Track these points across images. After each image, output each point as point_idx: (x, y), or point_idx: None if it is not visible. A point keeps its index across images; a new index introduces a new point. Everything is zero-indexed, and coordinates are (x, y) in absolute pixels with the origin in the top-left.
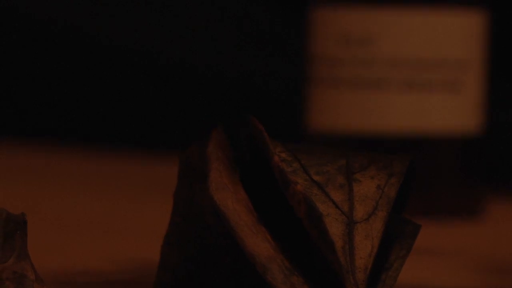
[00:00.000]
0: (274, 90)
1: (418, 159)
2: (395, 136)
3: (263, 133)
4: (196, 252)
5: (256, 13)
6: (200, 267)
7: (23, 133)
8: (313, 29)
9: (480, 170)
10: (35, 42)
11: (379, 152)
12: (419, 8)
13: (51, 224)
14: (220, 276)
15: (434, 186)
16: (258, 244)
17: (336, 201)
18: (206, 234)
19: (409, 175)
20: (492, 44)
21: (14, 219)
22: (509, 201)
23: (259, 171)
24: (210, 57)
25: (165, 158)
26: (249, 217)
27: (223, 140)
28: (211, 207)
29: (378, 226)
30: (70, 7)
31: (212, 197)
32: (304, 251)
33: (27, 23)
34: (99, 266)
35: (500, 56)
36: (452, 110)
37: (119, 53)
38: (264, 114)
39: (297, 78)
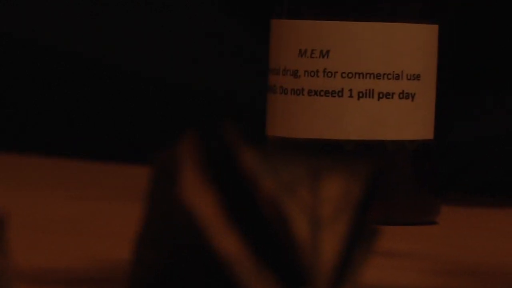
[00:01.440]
0: (240, 100)
1: (376, 165)
2: (352, 143)
3: (234, 136)
4: (168, 250)
5: (224, 26)
6: (173, 265)
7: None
8: (273, 41)
9: (433, 177)
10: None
11: (342, 155)
12: (376, 23)
13: (31, 225)
14: (193, 274)
15: (388, 192)
16: (227, 243)
17: (302, 201)
18: (177, 234)
19: (373, 178)
20: (445, 57)
21: None
22: (461, 206)
23: (228, 172)
24: (182, 70)
25: (140, 167)
26: (219, 217)
27: (195, 142)
28: (182, 207)
29: (343, 226)
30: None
31: (183, 197)
32: (273, 250)
33: None
34: (76, 264)
35: (452, 69)
36: (407, 119)
37: (98, 67)
38: (230, 121)
39: (260, 88)
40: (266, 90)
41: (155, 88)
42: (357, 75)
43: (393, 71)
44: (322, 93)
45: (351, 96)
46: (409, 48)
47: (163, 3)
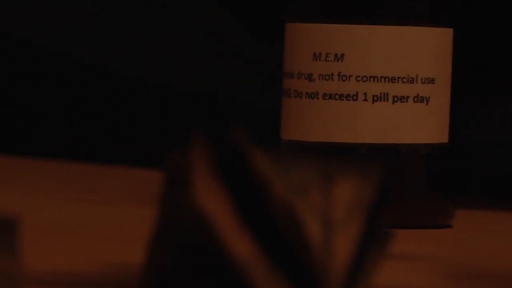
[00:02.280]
0: (252, 103)
1: (389, 169)
2: (366, 147)
3: (244, 138)
4: (180, 254)
5: (224, 26)
6: (184, 267)
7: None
8: (287, 45)
9: (447, 181)
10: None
11: (355, 158)
12: (390, 26)
13: (40, 228)
14: (205, 276)
15: (402, 196)
16: (240, 245)
17: (314, 204)
18: (189, 236)
19: (385, 180)
20: (459, 61)
21: (4, 219)
22: (476, 210)
23: (240, 174)
24: (189, 74)
25: (149, 169)
26: (231, 219)
27: (206, 144)
28: (194, 209)
29: (356, 229)
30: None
31: (195, 200)
32: (285, 252)
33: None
34: (86, 267)
35: (466, 73)
36: (421, 123)
37: (98, 68)
38: (243, 125)
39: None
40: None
41: (156, 88)
42: (371, 79)
43: (408, 75)
44: (336, 97)
45: (365, 99)
46: (423, 51)
47: (163, 3)
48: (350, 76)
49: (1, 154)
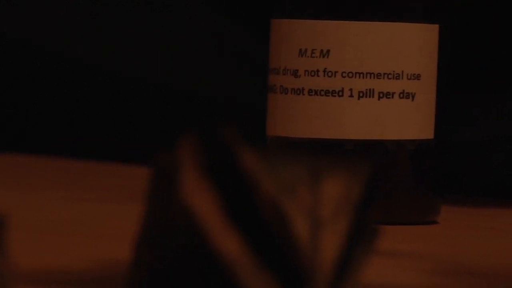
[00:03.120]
0: (239, 100)
1: (376, 165)
2: (352, 143)
3: (233, 136)
4: (168, 251)
5: (224, 26)
6: (172, 265)
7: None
8: (273, 41)
9: (433, 177)
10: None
11: (343, 155)
12: (376, 22)
13: (29, 226)
14: (193, 275)
15: (389, 192)
16: (228, 243)
17: (302, 201)
18: (177, 235)
19: (373, 177)
20: (445, 58)
21: None
22: (462, 206)
23: (228, 172)
24: (182, 73)
25: (139, 167)
26: (219, 217)
27: (194, 143)
28: (182, 208)
29: (343, 226)
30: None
31: (183, 198)
32: (273, 250)
33: None
34: (75, 265)
35: (453, 69)
36: (407, 119)
37: (97, 67)
38: (230, 122)
39: (260, 89)
40: (265, 90)
41: (154, 88)
42: (357, 75)
43: (393, 71)
44: (322, 93)
45: (351, 95)
46: (409, 48)
47: (163, 3)
48: (336, 72)
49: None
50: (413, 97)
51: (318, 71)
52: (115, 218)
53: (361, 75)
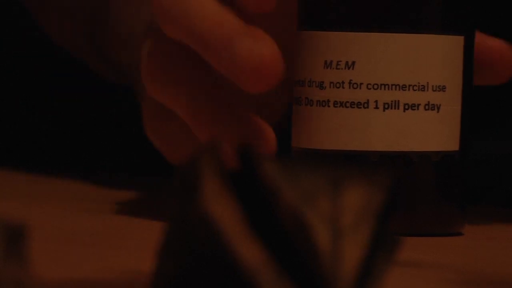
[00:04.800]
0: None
1: (398, 176)
2: (377, 154)
3: (251, 146)
4: (189, 261)
5: None
6: (194, 276)
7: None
8: (298, 53)
9: (458, 188)
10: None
11: (365, 165)
12: (401, 34)
13: (51, 238)
14: (214, 284)
15: (413, 204)
16: (249, 252)
17: (323, 211)
18: (199, 244)
19: (394, 188)
20: (471, 69)
21: (14, 227)
22: (487, 218)
23: (249, 182)
24: None
25: (158, 179)
26: (240, 226)
27: (215, 152)
28: (203, 216)
29: (365, 236)
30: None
31: (204, 207)
32: (294, 260)
33: None
34: (96, 277)
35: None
36: (432, 131)
37: (117, 88)
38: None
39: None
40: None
41: None
42: (382, 87)
43: (419, 83)
44: (347, 105)
45: (376, 107)
46: (434, 59)
47: None
48: (361, 84)
49: (15, 165)
50: (438, 108)
51: (343, 82)
52: (137, 229)
53: (386, 86)
